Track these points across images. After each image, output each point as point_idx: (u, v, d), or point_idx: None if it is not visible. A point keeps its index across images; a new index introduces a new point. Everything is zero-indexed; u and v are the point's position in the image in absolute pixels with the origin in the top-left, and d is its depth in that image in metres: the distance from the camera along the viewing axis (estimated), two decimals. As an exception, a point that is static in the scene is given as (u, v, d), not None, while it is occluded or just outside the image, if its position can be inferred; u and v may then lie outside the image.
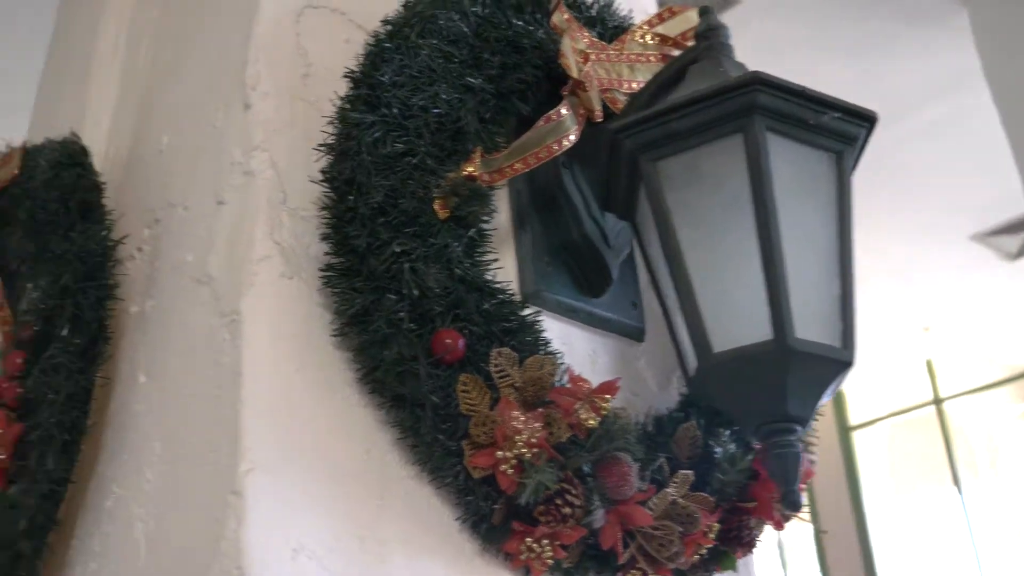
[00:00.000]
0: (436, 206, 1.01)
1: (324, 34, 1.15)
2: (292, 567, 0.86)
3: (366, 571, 0.91)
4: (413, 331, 0.96)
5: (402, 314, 0.96)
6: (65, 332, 1.08)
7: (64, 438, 1.06)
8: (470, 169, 1.03)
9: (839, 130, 1.00)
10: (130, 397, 1.08)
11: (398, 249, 0.97)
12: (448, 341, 0.96)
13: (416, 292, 0.96)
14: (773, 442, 0.94)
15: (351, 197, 0.98)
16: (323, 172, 1.00)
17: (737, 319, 0.95)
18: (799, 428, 0.95)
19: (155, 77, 1.34)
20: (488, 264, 1.04)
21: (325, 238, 0.99)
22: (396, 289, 0.96)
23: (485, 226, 1.05)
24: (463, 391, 0.96)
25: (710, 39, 1.11)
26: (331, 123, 1.02)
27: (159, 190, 1.18)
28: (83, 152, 1.24)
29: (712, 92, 0.98)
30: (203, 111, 1.14)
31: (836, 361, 0.95)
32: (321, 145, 1.01)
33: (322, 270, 0.98)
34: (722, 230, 0.98)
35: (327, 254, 0.98)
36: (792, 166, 0.98)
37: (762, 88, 0.97)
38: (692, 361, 0.99)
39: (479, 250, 1.04)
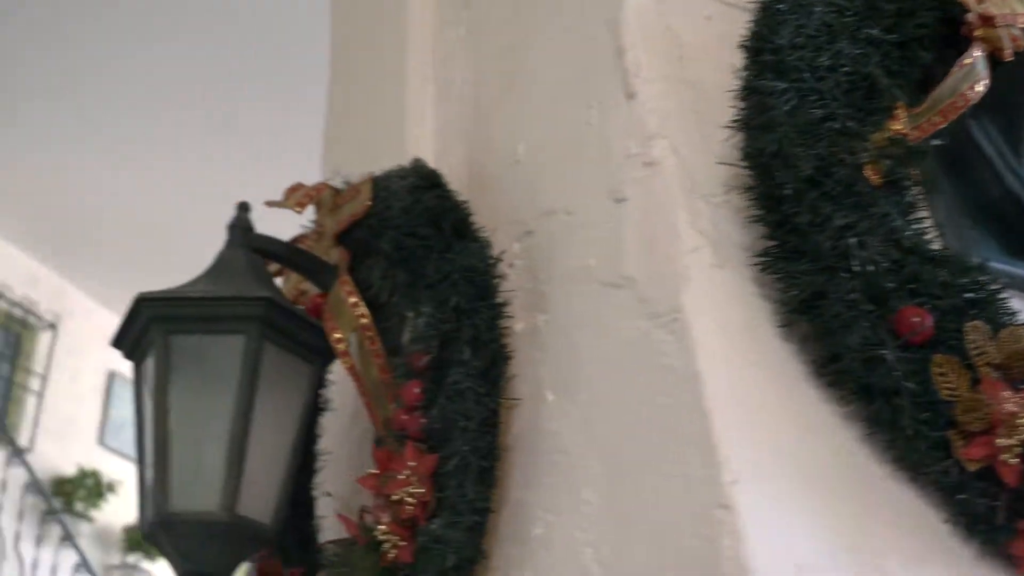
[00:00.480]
0: (868, 172, 0.91)
1: (687, 13, 1.08)
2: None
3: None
4: (872, 312, 0.85)
5: (857, 294, 0.85)
6: (466, 355, 1.03)
7: (481, 465, 1.01)
8: (897, 127, 0.92)
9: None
10: (539, 417, 1.02)
11: (840, 223, 0.87)
12: (915, 319, 0.85)
13: (870, 268, 0.85)
14: None
15: (778, 173, 0.89)
16: (742, 150, 0.92)
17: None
18: None
19: (485, 92, 1.31)
20: (927, 231, 0.92)
21: (756, 220, 0.90)
22: (845, 267, 0.86)
23: (917, 189, 0.94)
24: (939, 374, 0.84)
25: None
26: (738, 98, 0.93)
27: (525, 201, 1.13)
28: (437, 174, 1.21)
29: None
30: (567, 112, 1.08)
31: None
32: (732, 122, 0.93)
33: (758, 255, 0.89)
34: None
35: (762, 238, 0.89)
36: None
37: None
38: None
39: (916, 216, 0.93)
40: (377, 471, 1.09)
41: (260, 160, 6.17)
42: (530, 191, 1.13)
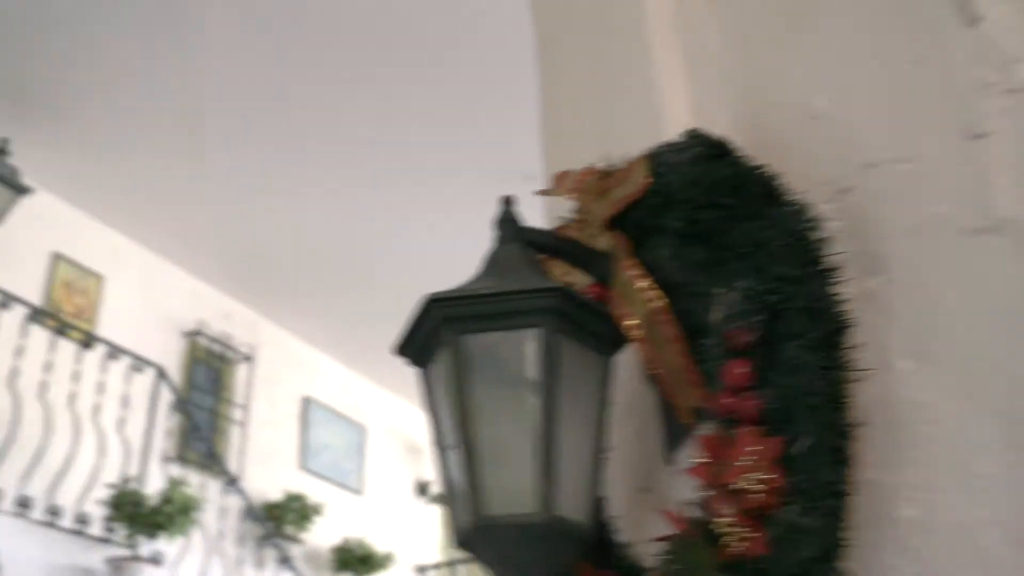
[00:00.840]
0: None
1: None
2: None
3: None
4: None
5: None
6: (801, 327, 0.95)
7: (834, 444, 0.93)
8: None
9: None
10: (894, 387, 0.92)
11: None
12: None
13: None
14: None
15: None
16: None
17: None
18: None
19: (754, 50, 1.22)
20: None
21: None
22: None
23: None
24: None
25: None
26: None
27: (835, 157, 1.04)
28: (725, 142, 1.13)
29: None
30: (881, 52, 0.98)
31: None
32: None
33: None
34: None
35: None
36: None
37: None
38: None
39: None
40: (708, 460, 1.01)
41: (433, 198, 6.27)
42: (840, 146, 1.03)
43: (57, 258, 6.72)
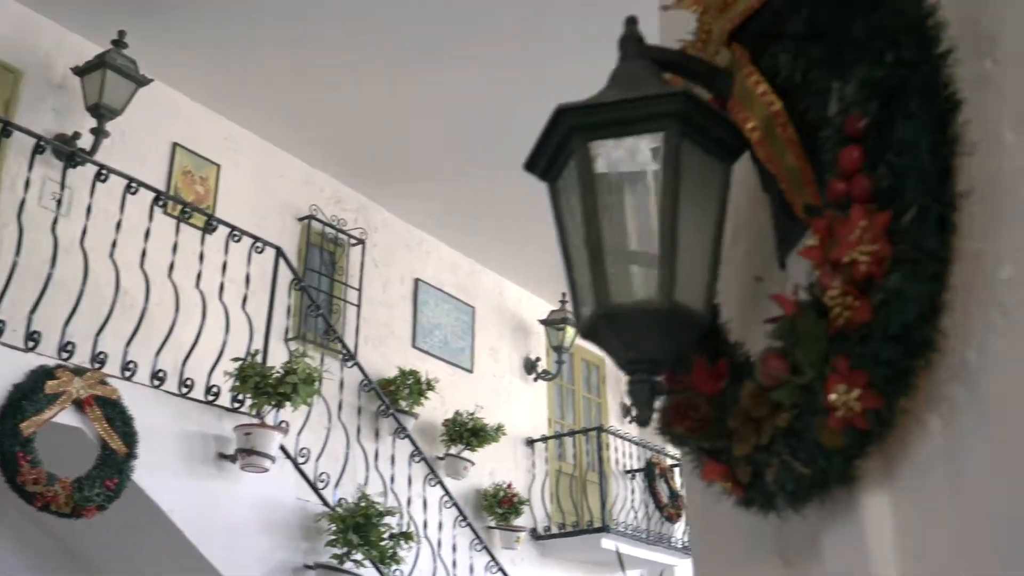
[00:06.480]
0: None
1: None
2: None
3: None
4: None
5: None
6: (914, 107, 1.01)
7: (940, 213, 1.00)
8: None
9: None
10: (998, 159, 0.98)
11: None
12: None
13: None
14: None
15: None
16: None
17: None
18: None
19: None
20: None
21: None
22: None
23: None
24: None
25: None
26: None
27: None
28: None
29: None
30: None
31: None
32: None
33: None
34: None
35: None
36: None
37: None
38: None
39: None
40: (818, 242, 1.10)
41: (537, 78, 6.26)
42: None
43: (176, 147, 7.01)
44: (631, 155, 1.23)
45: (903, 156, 1.01)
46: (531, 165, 1.34)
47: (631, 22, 1.35)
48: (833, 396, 1.06)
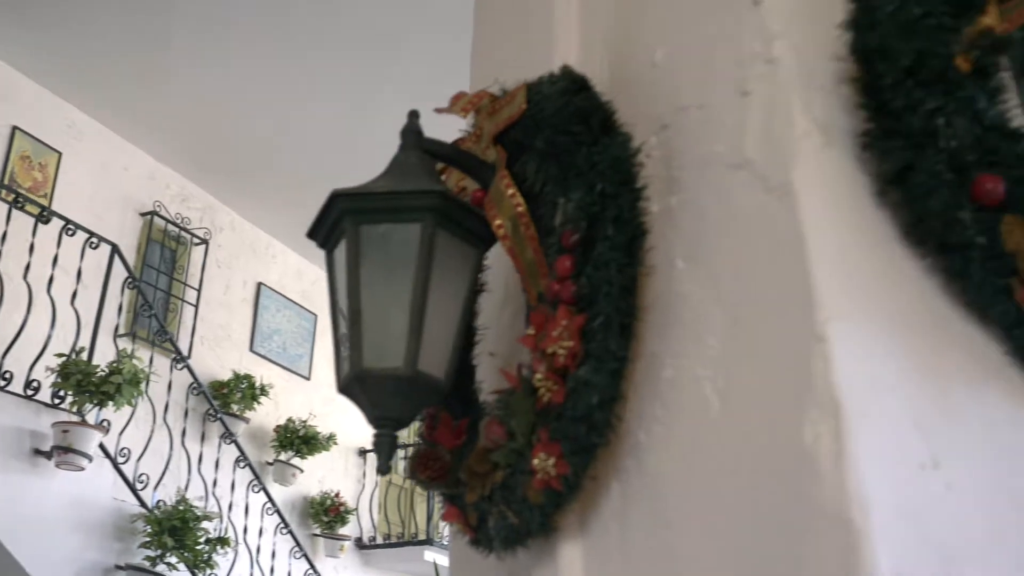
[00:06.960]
0: (959, 62, 1.05)
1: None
2: (873, 395, 0.95)
3: (935, 398, 0.98)
4: (953, 181, 1.01)
5: (942, 166, 1.01)
6: (610, 232, 1.23)
7: (622, 322, 1.22)
8: (987, 22, 1.06)
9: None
10: (671, 281, 1.21)
11: (931, 106, 1.02)
12: (989, 186, 1.01)
13: (953, 143, 1.01)
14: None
15: (880, 65, 1.04)
16: (850, 46, 1.07)
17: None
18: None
19: (624, 7, 1.47)
20: (1010, 111, 1.06)
21: (860, 107, 1.06)
22: (933, 144, 1.02)
23: (1003, 74, 1.08)
24: (1007, 230, 1.00)
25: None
26: (849, 1, 1.08)
27: (662, 99, 1.30)
28: (585, 78, 1.39)
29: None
30: (701, 19, 1.25)
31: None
32: (843, 22, 1.08)
33: (861, 135, 1.06)
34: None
35: (864, 121, 1.05)
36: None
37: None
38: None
39: (1001, 98, 1.07)
40: (534, 332, 1.31)
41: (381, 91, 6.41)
42: (666, 90, 1.30)
43: (16, 130, 6.83)
44: (393, 239, 1.42)
45: (599, 271, 1.23)
46: (312, 234, 1.50)
47: (413, 115, 1.54)
48: (536, 461, 1.27)
